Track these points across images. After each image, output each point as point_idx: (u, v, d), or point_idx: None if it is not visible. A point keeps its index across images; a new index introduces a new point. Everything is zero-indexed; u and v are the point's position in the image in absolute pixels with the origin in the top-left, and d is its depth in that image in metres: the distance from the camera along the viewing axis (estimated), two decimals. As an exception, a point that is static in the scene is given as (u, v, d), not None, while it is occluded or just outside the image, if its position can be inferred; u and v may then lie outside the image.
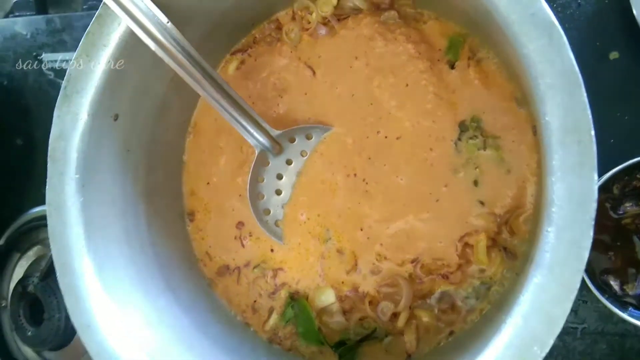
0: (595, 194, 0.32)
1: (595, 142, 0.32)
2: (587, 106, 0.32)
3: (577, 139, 0.32)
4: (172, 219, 0.58)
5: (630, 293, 0.54)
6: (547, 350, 0.32)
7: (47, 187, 0.46)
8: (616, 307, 0.51)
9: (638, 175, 0.53)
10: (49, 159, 0.46)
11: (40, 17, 0.84)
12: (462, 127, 0.50)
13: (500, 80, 0.49)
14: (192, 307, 0.53)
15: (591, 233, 0.32)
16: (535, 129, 0.46)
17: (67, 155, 0.46)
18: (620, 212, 0.54)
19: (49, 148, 0.46)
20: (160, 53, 0.44)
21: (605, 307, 0.52)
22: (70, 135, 0.46)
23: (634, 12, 0.54)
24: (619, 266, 0.54)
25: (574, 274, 0.32)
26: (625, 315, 0.51)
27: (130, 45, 0.46)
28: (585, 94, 0.32)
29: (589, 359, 0.60)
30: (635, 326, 0.57)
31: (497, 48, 0.46)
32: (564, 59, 0.33)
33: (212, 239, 0.59)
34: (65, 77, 0.46)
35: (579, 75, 0.32)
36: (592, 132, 0.32)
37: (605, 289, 0.53)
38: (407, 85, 0.51)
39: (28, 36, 0.85)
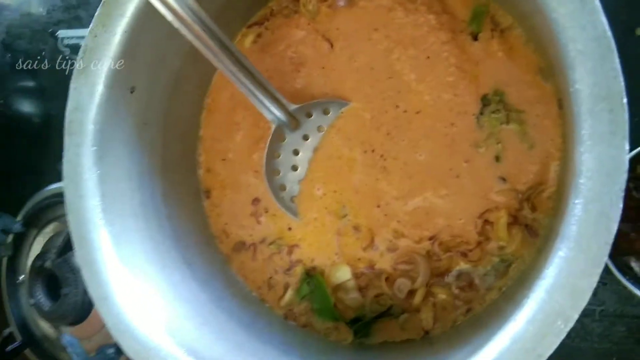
0: (626, 164, 0.30)
1: (627, 111, 0.31)
2: (620, 73, 0.31)
3: (608, 107, 0.31)
4: (189, 195, 0.58)
5: None
6: (571, 324, 0.32)
7: (63, 159, 0.46)
8: (637, 288, 0.51)
9: (663, 155, 0.51)
10: (65, 132, 0.46)
11: (55, -8, 0.83)
12: (485, 100, 0.48)
13: (525, 51, 0.47)
14: (208, 282, 0.53)
15: (621, 205, 0.31)
16: (561, 103, 0.45)
17: (83, 128, 0.46)
18: (643, 193, 0.53)
19: (65, 120, 0.46)
20: (176, 24, 0.43)
21: (625, 289, 0.51)
22: (87, 107, 0.46)
23: (664, -15, 0.52)
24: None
25: (602, 246, 0.31)
26: None
27: (147, 15, 0.45)
28: (617, 60, 0.31)
29: (607, 341, 0.59)
30: None
31: (522, 17, 0.45)
32: (596, 24, 0.31)
33: (228, 216, 0.58)
34: (81, 49, 0.46)
35: (612, 41, 0.31)
36: (625, 100, 0.31)
37: (626, 270, 0.52)
38: (427, 57, 0.50)
39: (44, 13, 0.85)
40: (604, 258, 0.31)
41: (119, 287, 0.45)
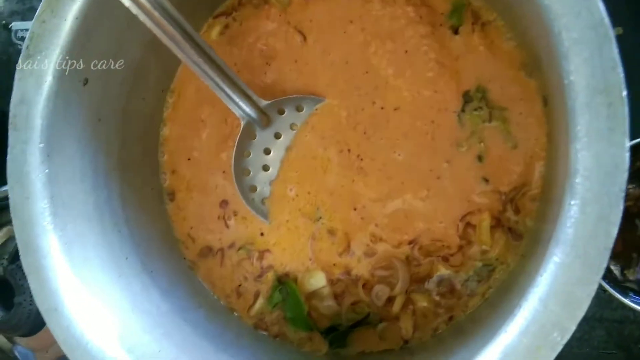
0: (626, 163, 0.28)
1: (627, 105, 0.28)
2: (619, 64, 0.29)
3: (606, 101, 0.29)
4: (150, 197, 0.54)
5: (631, 278, 0.53)
6: (568, 336, 0.29)
7: (8, 157, 0.42)
8: (617, 292, 0.50)
9: (641, 157, 0.51)
10: (10, 126, 0.42)
11: (10, -17, 0.78)
12: (466, 97, 0.46)
13: (508, 46, 0.45)
14: (171, 291, 0.49)
15: (621, 206, 0.28)
16: (546, 100, 0.43)
17: (30, 122, 0.41)
18: (623, 194, 0.52)
19: (10, 114, 0.42)
20: (134, 10, 0.39)
21: (605, 292, 0.50)
22: (34, 99, 0.41)
23: (640, -14, 0.51)
24: (620, 250, 0.53)
25: (601, 252, 0.29)
26: (626, 301, 0.50)
27: (101, 0, 0.41)
28: (616, 50, 0.29)
29: (586, 345, 0.59)
30: (634, 313, 0.57)
31: (506, 8, 0.43)
32: (593, 10, 0.29)
33: (194, 220, 0.55)
34: (27, 36, 0.42)
35: (610, 29, 0.29)
36: (624, 93, 0.28)
37: (605, 274, 0.51)
38: (406, 51, 0.47)
39: (-4, 3, 0.80)
40: (603, 264, 0.29)
41: (69, 297, 0.41)
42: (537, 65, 0.42)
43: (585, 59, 0.29)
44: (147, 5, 0.39)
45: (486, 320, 0.39)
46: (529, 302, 0.30)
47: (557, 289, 0.30)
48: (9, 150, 0.42)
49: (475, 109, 0.46)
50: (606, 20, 0.29)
